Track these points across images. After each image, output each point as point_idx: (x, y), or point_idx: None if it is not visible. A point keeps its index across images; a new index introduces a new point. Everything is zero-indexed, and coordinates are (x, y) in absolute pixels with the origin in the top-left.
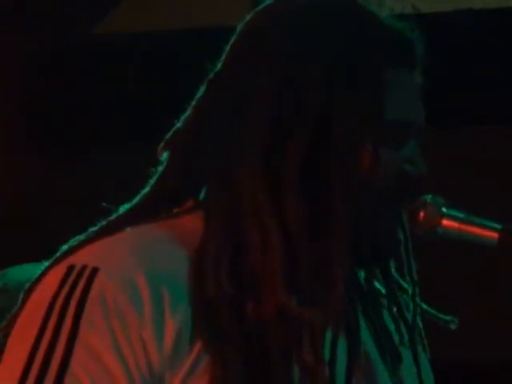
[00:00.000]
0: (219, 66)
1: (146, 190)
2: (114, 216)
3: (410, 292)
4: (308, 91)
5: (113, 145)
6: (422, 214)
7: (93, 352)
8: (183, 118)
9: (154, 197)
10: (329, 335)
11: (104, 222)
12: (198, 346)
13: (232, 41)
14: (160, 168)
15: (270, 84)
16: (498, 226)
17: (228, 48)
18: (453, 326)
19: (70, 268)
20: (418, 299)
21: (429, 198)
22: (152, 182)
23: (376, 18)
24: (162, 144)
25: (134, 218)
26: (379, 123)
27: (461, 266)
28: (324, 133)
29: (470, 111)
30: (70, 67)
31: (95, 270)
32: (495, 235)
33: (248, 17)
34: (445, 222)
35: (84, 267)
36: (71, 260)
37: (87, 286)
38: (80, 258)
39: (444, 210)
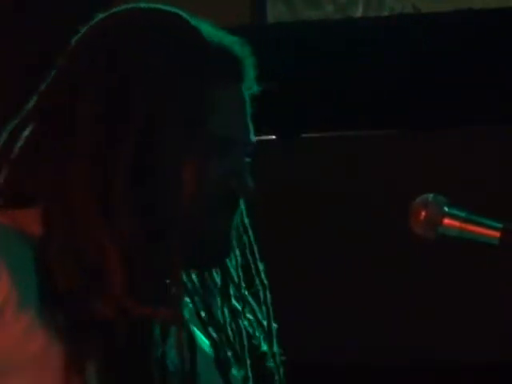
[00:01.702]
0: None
1: None
2: None
3: (262, 295)
4: (131, 110)
5: None
6: (423, 213)
7: None
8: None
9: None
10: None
11: None
12: (44, 339)
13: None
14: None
15: (95, 102)
16: (500, 225)
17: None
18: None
19: None
20: (269, 302)
21: (430, 197)
22: None
23: (200, 36)
24: None
25: None
26: (201, 139)
27: (461, 265)
28: (148, 147)
29: (471, 111)
30: None
31: None
32: (496, 234)
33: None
34: (446, 220)
35: None
36: None
37: None
38: None
39: (445, 208)
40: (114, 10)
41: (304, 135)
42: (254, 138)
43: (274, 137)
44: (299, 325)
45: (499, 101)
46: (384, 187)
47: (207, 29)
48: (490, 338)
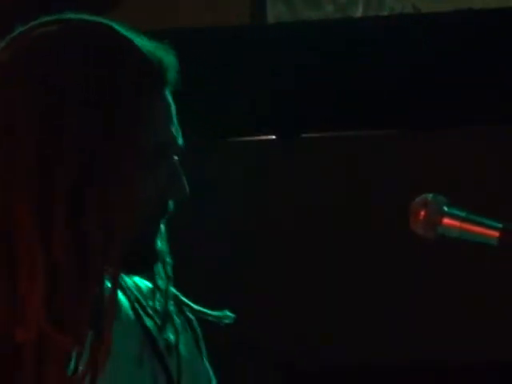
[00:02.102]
0: None
1: None
2: None
3: (164, 287)
4: (65, 125)
5: None
6: (422, 212)
7: None
8: None
9: None
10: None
11: None
12: None
13: None
14: None
15: (31, 118)
16: (499, 225)
17: None
18: (227, 321)
19: None
20: (170, 294)
21: (430, 196)
22: None
23: (123, 46)
24: None
25: None
26: (135, 149)
27: (461, 265)
28: (84, 161)
29: (471, 111)
30: None
31: None
32: (496, 234)
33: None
34: (446, 220)
35: None
36: None
37: None
38: None
39: (445, 208)
40: (32, 25)
41: (304, 135)
42: (181, 142)
43: (273, 137)
44: (299, 325)
45: (499, 101)
46: (384, 187)
47: (128, 36)
48: (491, 337)
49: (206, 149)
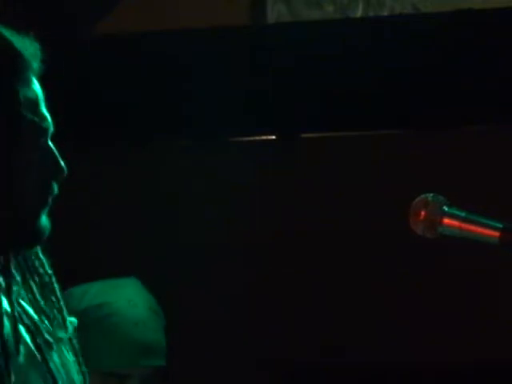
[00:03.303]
0: None
1: None
2: None
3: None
4: None
5: (106, 145)
6: (423, 212)
7: None
8: None
9: None
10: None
11: None
12: None
13: None
14: None
15: None
16: (499, 225)
17: None
18: None
19: None
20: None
21: (430, 196)
22: None
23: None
24: None
25: None
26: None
27: (461, 265)
28: None
29: (471, 111)
30: (70, 67)
31: None
32: (496, 234)
33: None
34: (446, 220)
35: None
36: None
37: None
38: None
39: (445, 208)
40: None
41: (304, 135)
42: (50, 124)
43: (273, 137)
44: (299, 325)
45: (499, 101)
46: (384, 187)
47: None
48: (490, 338)
49: (206, 149)
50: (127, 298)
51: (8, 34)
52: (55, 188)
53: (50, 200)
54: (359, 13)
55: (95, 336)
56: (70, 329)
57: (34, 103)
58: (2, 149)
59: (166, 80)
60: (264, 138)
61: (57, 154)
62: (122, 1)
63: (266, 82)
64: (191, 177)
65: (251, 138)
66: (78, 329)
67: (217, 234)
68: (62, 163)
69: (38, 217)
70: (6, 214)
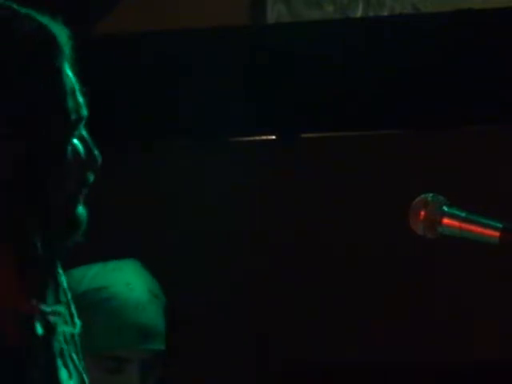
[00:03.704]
0: None
1: None
2: None
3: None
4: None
5: (106, 145)
6: (422, 212)
7: None
8: None
9: None
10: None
11: None
12: None
13: None
14: None
15: None
16: (499, 225)
17: None
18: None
19: None
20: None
21: (430, 196)
22: None
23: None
24: None
25: None
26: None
27: (461, 265)
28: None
29: (471, 111)
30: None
31: None
32: (496, 234)
33: None
34: (446, 220)
35: None
36: None
37: None
38: None
39: (445, 208)
40: None
41: (304, 135)
42: (86, 111)
43: (273, 137)
44: (299, 325)
45: (499, 101)
46: (384, 187)
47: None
48: (490, 337)
49: (206, 149)
50: (125, 282)
51: (44, 19)
52: (90, 177)
53: (85, 189)
54: (359, 13)
55: (94, 319)
56: (78, 325)
57: (72, 90)
58: (46, 134)
59: (166, 80)
60: (264, 137)
61: (91, 142)
62: (122, 1)
63: (266, 82)
64: (191, 177)
65: (251, 138)
66: (78, 312)
67: (217, 233)
68: (96, 152)
69: (75, 206)
70: (43, 204)
